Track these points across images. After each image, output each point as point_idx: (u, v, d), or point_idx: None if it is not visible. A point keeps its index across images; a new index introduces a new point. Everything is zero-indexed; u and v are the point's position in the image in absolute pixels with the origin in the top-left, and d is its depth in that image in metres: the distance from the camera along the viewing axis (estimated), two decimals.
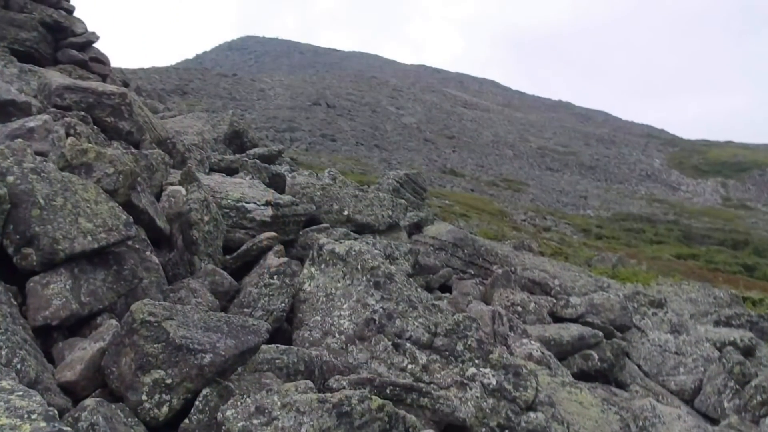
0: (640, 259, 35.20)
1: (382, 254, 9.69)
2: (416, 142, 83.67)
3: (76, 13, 15.35)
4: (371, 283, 6.82)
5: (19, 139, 6.10)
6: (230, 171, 12.12)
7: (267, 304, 6.66)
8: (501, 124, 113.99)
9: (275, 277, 6.97)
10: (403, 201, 13.94)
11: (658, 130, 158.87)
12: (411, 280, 7.42)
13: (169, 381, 4.39)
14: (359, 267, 6.97)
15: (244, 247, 8.03)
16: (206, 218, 7.79)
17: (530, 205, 62.99)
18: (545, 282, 14.39)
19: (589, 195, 76.87)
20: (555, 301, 12.67)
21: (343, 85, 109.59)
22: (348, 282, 6.96)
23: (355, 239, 10.42)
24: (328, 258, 7.29)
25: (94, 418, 3.98)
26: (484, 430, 6.11)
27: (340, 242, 7.65)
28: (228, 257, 7.97)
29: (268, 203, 9.31)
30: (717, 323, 15.71)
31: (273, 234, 8.35)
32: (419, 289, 7.19)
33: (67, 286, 5.20)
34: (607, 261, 31.26)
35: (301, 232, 10.03)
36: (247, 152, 14.79)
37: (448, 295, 11.67)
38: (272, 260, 7.43)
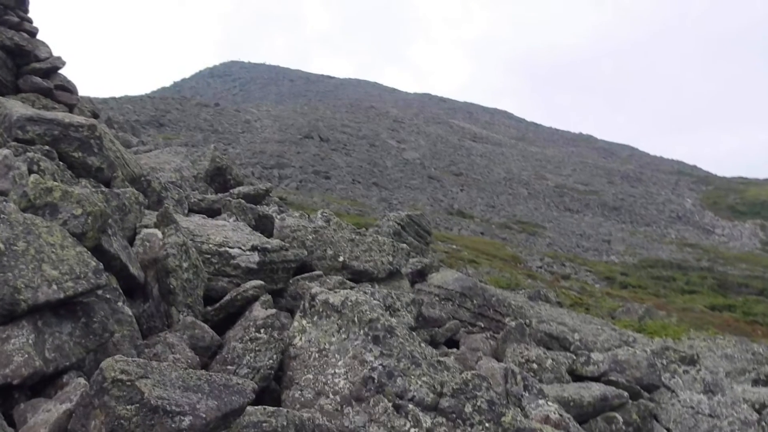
0: (669, 310, 35.20)
1: (382, 305, 9.70)
2: (420, 180, 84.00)
3: (39, 36, 15.40)
4: (369, 338, 6.82)
5: None
6: (212, 212, 12.18)
7: (253, 360, 6.65)
8: (514, 160, 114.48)
9: (262, 330, 6.98)
10: (405, 245, 13.95)
11: (689, 167, 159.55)
12: (414, 333, 7.42)
13: None
14: (356, 319, 6.98)
15: (227, 297, 8.04)
16: (185, 265, 7.81)
17: (547, 250, 63.04)
18: (564, 336, 14.38)
19: (612, 239, 76.96)
20: (575, 357, 12.65)
21: (338, 116, 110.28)
22: (343, 336, 6.97)
23: (352, 288, 10.43)
24: (321, 309, 7.30)
25: None
26: None
27: (335, 291, 7.66)
28: (209, 308, 7.97)
29: (254, 248, 9.34)
30: (756, 382, 15.68)
31: (260, 282, 8.36)
32: (423, 344, 7.19)
33: (30, 341, 5.21)
34: (632, 313, 31.29)
35: (291, 281, 10.05)
36: (231, 191, 14.87)
37: (455, 350, 11.66)
38: (259, 312, 7.44)
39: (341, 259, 11.96)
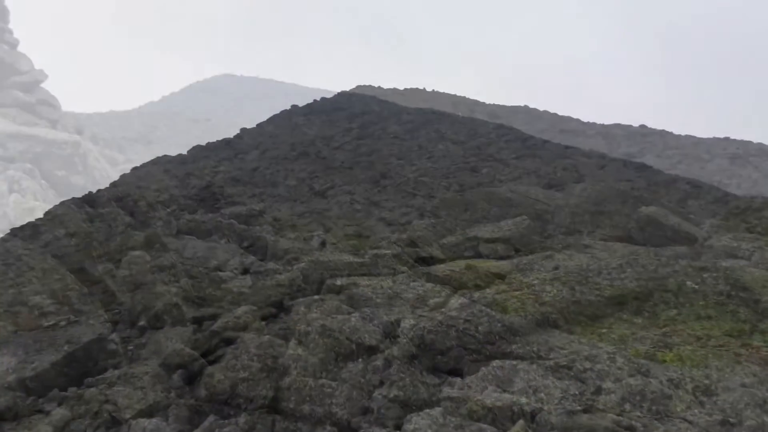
0: (687, 337, 35.07)
1: (381, 332, 9.70)
2: (423, 200, 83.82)
3: (20, 48, 15.43)
4: (368, 366, 6.81)
5: None
6: (202, 233, 12.17)
7: (246, 390, 6.65)
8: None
9: (255, 358, 6.98)
10: (406, 269, 13.93)
11: (707, 185, 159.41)
12: (415, 362, 7.42)
13: None
14: (354, 347, 6.98)
15: (218, 323, 8.04)
16: (174, 289, 7.82)
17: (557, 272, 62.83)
18: (575, 364, 14.34)
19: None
20: (586, 386, 12.62)
21: (335, 132, 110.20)
22: (341, 364, 6.96)
23: (350, 314, 10.42)
24: (317, 335, 7.29)
25: None
26: None
27: (332, 317, 7.66)
28: (199, 335, 7.98)
29: (246, 271, 9.35)
30: None
31: (252, 307, 8.37)
32: (425, 373, 7.18)
33: (10, 370, 5.21)
34: (647, 339, 31.21)
35: (285, 305, 10.04)
36: (222, 211, 14.87)
37: (459, 379, 11.64)
38: (252, 338, 7.44)
39: (338, 282, 11.95)
